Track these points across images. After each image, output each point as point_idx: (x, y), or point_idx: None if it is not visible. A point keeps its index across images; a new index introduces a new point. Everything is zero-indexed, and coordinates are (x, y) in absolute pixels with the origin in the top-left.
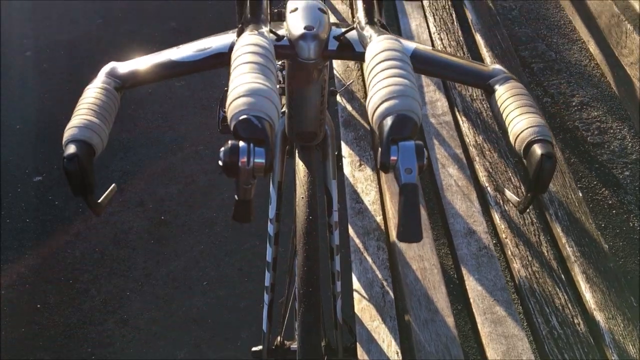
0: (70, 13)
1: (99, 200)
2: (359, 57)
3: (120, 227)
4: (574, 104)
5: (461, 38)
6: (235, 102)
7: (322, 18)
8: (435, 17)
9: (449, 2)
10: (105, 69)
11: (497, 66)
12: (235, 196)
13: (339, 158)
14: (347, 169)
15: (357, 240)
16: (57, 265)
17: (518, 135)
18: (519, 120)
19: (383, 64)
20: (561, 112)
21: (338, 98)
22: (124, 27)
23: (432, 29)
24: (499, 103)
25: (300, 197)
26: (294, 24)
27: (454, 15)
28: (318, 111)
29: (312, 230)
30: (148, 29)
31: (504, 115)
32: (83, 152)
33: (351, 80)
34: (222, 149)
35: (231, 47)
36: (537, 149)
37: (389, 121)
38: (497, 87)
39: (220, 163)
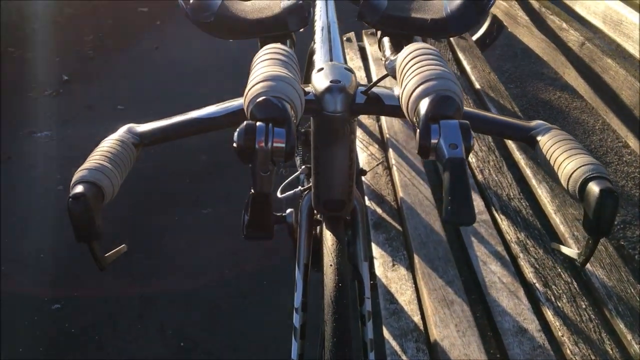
0: None
1: (106, 255)
2: (389, 111)
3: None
4: (615, 223)
5: (492, 143)
6: (254, 88)
7: (348, 75)
8: None
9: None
10: (124, 127)
11: (540, 121)
12: (251, 189)
13: (369, 246)
14: (379, 270)
15: (393, 343)
16: None
17: (570, 176)
18: (570, 161)
19: (415, 59)
20: None
21: (367, 202)
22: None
23: None
24: (544, 150)
25: (328, 265)
26: (320, 80)
27: None
28: (346, 176)
29: (342, 298)
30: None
31: (551, 161)
32: (92, 193)
33: (381, 160)
34: (237, 129)
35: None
36: (594, 187)
37: (427, 100)
38: (540, 137)
39: (235, 145)
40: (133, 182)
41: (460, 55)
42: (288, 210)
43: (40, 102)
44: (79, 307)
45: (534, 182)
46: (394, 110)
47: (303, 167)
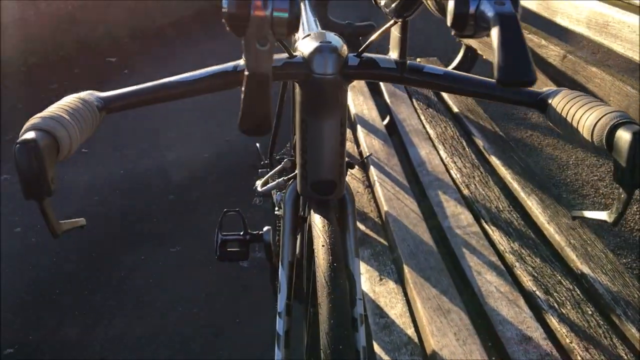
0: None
1: (61, 221)
2: (386, 75)
3: None
4: None
5: (476, 160)
6: None
7: (338, 39)
8: (445, 145)
9: (457, 133)
10: (87, 91)
11: (548, 88)
12: (245, 71)
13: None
14: (365, 285)
15: (385, 358)
16: None
17: (595, 127)
18: (590, 113)
19: None
20: None
21: None
22: None
23: (443, 155)
24: (559, 110)
25: (320, 246)
26: (307, 44)
27: (464, 143)
28: (337, 153)
29: (338, 278)
30: None
31: (569, 119)
32: (45, 143)
33: (371, 152)
34: None
35: (237, 67)
36: (624, 132)
37: None
38: (551, 99)
39: (225, 11)
40: (97, 222)
41: None
42: (265, 228)
43: (1, 147)
44: (34, 351)
45: (522, 195)
46: (391, 74)
47: (286, 159)
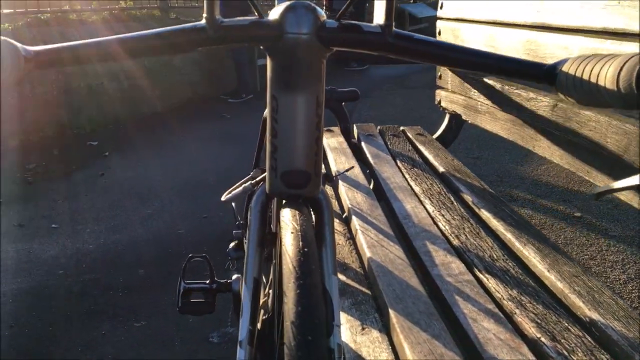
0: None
1: None
2: (369, 43)
3: None
4: None
5: (465, 213)
6: None
7: (316, 7)
8: (432, 200)
9: (444, 189)
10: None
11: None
12: None
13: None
14: (346, 336)
15: None
16: None
17: (620, 72)
18: (612, 62)
19: None
20: None
21: None
22: None
23: (430, 209)
24: (571, 72)
25: (289, 232)
26: (280, 7)
27: (452, 198)
28: (312, 139)
29: (309, 262)
30: None
31: (585, 76)
32: None
33: (352, 166)
34: None
35: (207, 26)
36: None
37: None
38: (560, 67)
39: None
40: (58, 295)
41: (421, 147)
42: (234, 277)
43: None
44: None
45: (518, 245)
46: (376, 39)
47: (253, 170)
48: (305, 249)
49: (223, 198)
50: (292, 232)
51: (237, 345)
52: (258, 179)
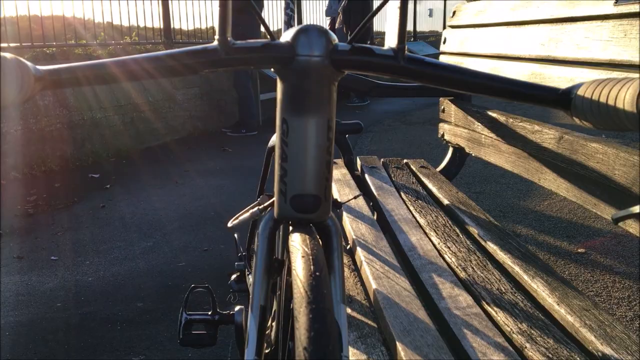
0: None
1: None
2: (381, 66)
3: None
4: None
5: (471, 246)
6: None
7: (327, 31)
8: (437, 232)
9: (449, 222)
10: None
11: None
12: None
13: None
14: None
15: None
16: None
17: (639, 96)
18: (630, 83)
19: None
20: None
21: None
22: None
23: (436, 241)
24: (587, 95)
25: (300, 257)
26: (292, 30)
27: (458, 230)
28: (323, 162)
29: (321, 287)
30: None
31: (602, 99)
32: None
33: (360, 193)
34: None
35: (219, 48)
36: None
37: None
38: (575, 91)
39: None
40: (55, 328)
41: (425, 180)
42: (237, 308)
43: None
44: None
45: (526, 278)
46: (388, 62)
47: (260, 197)
48: (317, 273)
49: (230, 224)
50: (302, 257)
51: None
52: (266, 204)
